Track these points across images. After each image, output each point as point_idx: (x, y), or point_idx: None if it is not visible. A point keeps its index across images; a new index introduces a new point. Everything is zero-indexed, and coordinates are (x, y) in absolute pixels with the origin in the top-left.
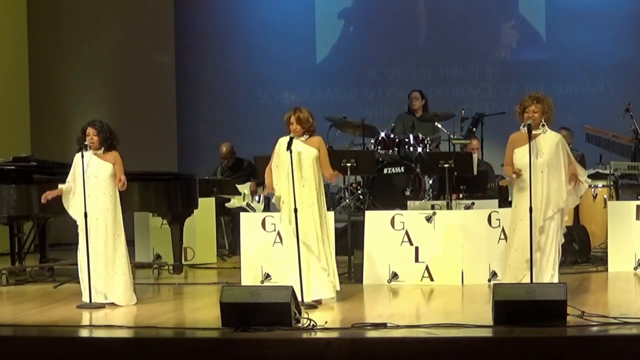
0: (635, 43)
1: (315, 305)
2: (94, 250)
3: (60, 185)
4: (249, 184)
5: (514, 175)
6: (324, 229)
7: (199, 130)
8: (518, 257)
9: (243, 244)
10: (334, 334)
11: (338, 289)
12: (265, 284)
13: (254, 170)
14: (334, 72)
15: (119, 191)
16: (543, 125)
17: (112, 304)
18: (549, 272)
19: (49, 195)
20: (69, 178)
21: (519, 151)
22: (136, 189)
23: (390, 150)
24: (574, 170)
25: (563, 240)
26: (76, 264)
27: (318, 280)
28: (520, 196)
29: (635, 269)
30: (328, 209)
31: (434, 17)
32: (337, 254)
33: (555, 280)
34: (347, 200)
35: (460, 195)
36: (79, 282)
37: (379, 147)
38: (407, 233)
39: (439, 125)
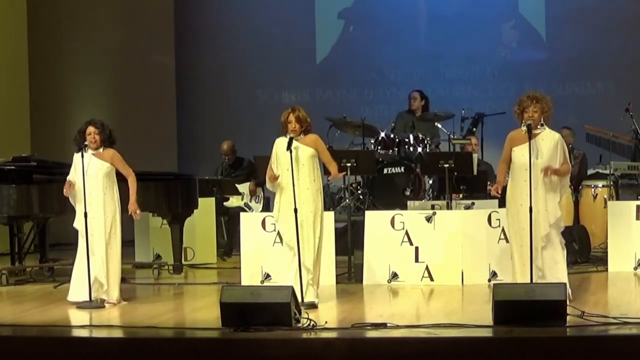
0: (635, 43)
1: (315, 305)
2: (91, 249)
3: (69, 178)
4: (248, 183)
5: (494, 192)
6: (318, 229)
7: (199, 130)
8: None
9: (243, 244)
10: (334, 334)
11: (317, 297)
12: (265, 284)
13: (253, 169)
14: (334, 72)
15: (120, 193)
16: (542, 125)
17: (111, 304)
18: (564, 271)
19: (68, 189)
20: (70, 177)
21: (519, 150)
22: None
23: (390, 150)
24: (561, 169)
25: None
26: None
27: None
28: (523, 195)
29: (635, 269)
30: (328, 209)
31: (434, 17)
32: (337, 254)
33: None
34: (347, 200)
35: (460, 195)
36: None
37: (379, 147)
38: (407, 233)
39: (439, 125)
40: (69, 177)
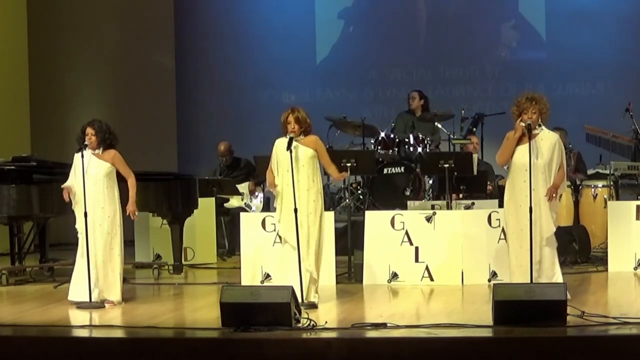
0: (635, 43)
1: (315, 305)
2: (92, 249)
3: (67, 184)
4: (247, 183)
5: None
6: (319, 230)
7: (199, 130)
8: (528, 257)
9: (243, 244)
10: (334, 334)
11: (317, 296)
12: (265, 284)
13: (251, 169)
14: (334, 72)
15: (120, 193)
16: (540, 125)
17: (111, 303)
18: (557, 272)
19: (67, 195)
20: (70, 179)
21: (519, 150)
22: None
23: (390, 150)
24: (558, 181)
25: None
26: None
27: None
28: (523, 196)
29: (635, 269)
30: (328, 209)
31: (434, 17)
32: (337, 254)
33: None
34: (347, 200)
35: (460, 195)
36: None
37: (379, 147)
38: (407, 233)
39: (439, 125)
40: (66, 183)
